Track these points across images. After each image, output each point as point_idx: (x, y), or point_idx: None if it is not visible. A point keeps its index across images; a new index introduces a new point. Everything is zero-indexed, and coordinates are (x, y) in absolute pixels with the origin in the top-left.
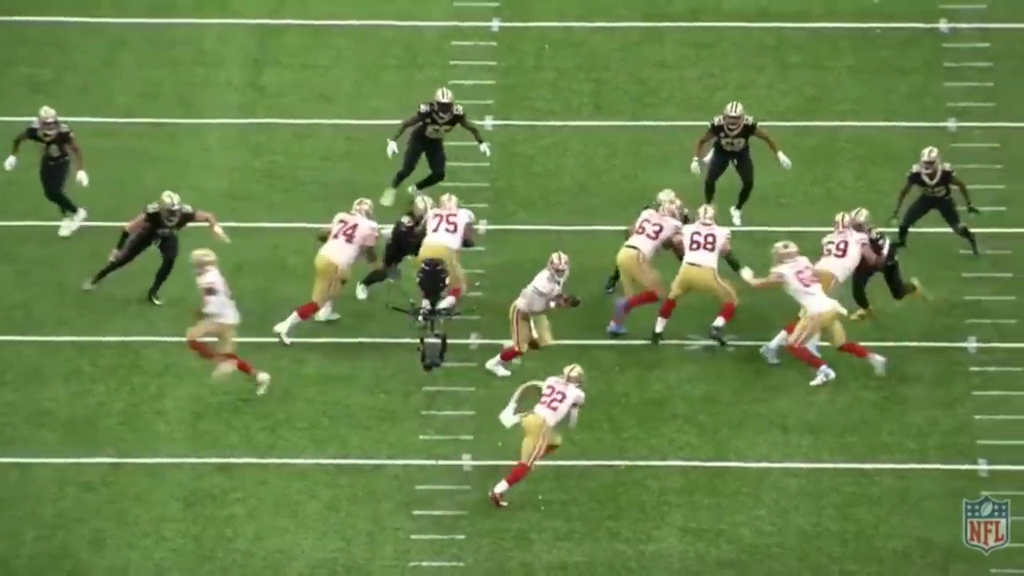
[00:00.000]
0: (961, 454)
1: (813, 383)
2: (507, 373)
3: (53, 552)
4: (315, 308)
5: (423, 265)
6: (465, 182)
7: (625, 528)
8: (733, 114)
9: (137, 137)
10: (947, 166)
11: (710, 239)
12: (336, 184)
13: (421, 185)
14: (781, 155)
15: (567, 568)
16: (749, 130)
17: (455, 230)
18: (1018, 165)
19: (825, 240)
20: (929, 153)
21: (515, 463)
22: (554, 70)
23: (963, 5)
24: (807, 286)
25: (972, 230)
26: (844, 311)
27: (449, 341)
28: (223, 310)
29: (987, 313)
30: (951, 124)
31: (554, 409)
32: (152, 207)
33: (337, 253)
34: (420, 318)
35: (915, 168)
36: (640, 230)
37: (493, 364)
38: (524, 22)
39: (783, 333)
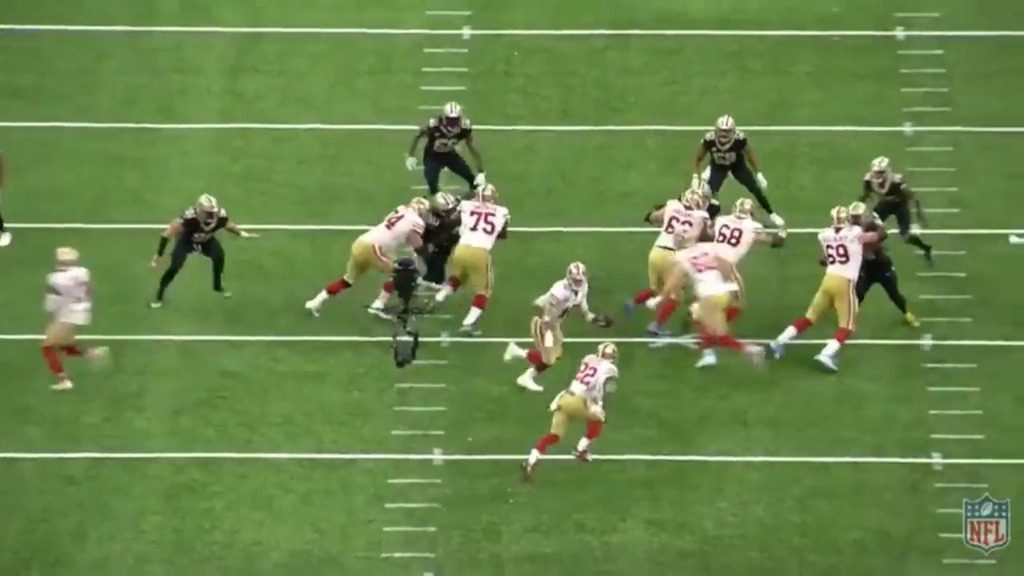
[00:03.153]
0: (916, 448)
1: (699, 364)
2: (539, 388)
3: (36, 544)
4: (345, 284)
5: (396, 265)
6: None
7: (591, 520)
8: (724, 127)
9: (118, 142)
10: (897, 177)
11: (736, 234)
12: (312, 187)
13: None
14: (760, 176)
15: (535, 559)
16: (740, 145)
17: (492, 231)
18: (971, 168)
19: (824, 245)
20: (879, 163)
21: (485, 458)
22: (523, 76)
23: (918, 14)
24: (700, 272)
25: (924, 231)
26: (735, 301)
27: (421, 339)
28: (63, 310)
29: (942, 312)
30: (907, 128)
31: (586, 383)
32: (189, 213)
33: (373, 235)
34: (393, 317)
35: (867, 176)
36: (670, 229)
37: (525, 379)
38: (494, 30)
39: (791, 329)
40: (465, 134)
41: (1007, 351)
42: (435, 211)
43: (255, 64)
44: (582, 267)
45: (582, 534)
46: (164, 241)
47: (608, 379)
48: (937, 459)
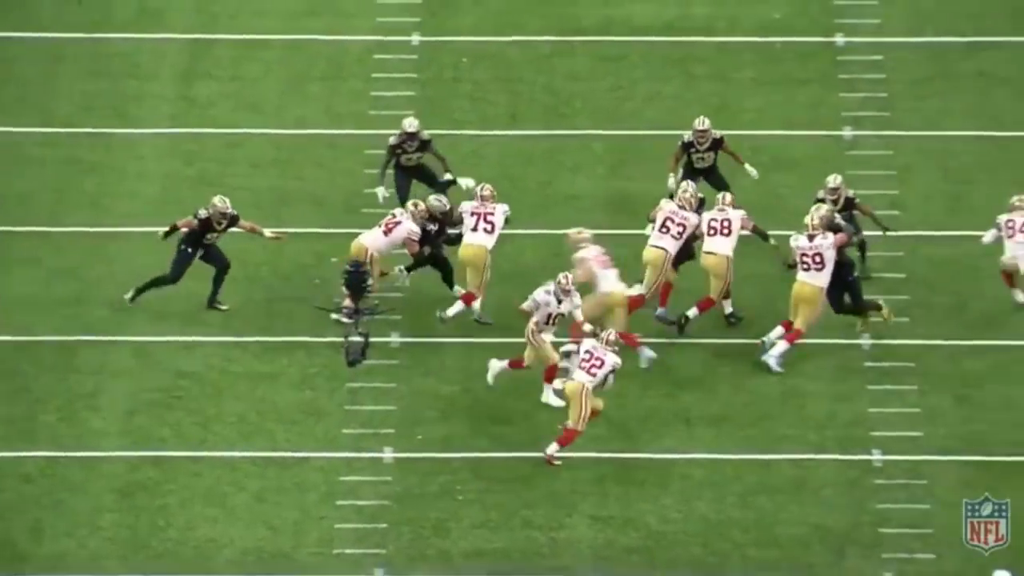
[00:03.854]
0: (856, 445)
1: (642, 367)
2: (561, 404)
3: None
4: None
5: (347, 266)
6: (388, 187)
7: (538, 516)
8: (701, 128)
9: (75, 146)
10: (851, 193)
11: (726, 223)
12: (264, 190)
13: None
14: (748, 166)
15: (483, 554)
16: (718, 143)
17: (492, 230)
18: (909, 171)
19: (798, 253)
20: (834, 180)
21: (435, 456)
22: (472, 82)
23: (858, 20)
24: (604, 268)
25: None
26: (630, 295)
27: (371, 339)
28: None
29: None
30: (847, 132)
31: (593, 375)
32: (203, 212)
33: (368, 238)
34: (344, 317)
35: (820, 193)
36: (665, 229)
37: (547, 396)
38: (443, 36)
39: (779, 328)
40: (426, 145)
41: (945, 350)
42: (432, 215)
43: (208, 70)
44: (571, 277)
45: (529, 530)
46: (174, 229)
47: (612, 371)
48: (877, 456)
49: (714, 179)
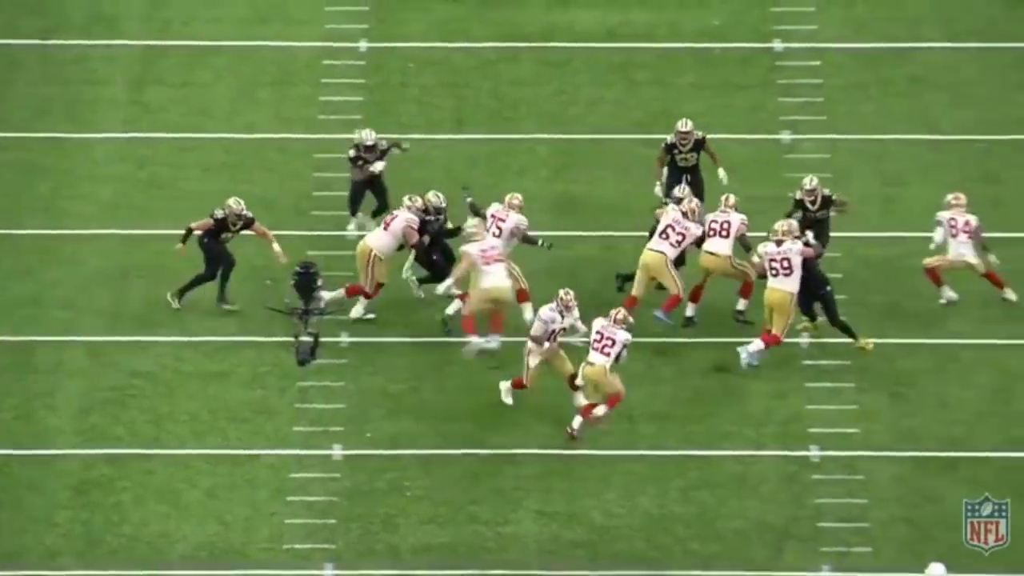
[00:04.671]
0: (795, 441)
1: (467, 350)
2: (509, 401)
3: None
4: (360, 289)
5: (297, 267)
6: (336, 191)
7: (484, 512)
8: (684, 129)
9: (30, 151)
10: (827, 191)
11: (726, 226)
12: (215, 194)
13: (374, 214)
14: (721, 170)
15: (431, 549)
16: (700, 144)
17: (500, 234)
18: (846, 174)
19: (767, 259)
20: (810, 182)
21: (383, 453)
22: (418, 87)
23: (795, 27)
24: (487, 264)
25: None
26: (511, 297)
27: (321, 339)
28: None
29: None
30: (784, 136)
31: (607, 354)
32: (219, 213)
33: (372, 238)
34: (295, 317)
35: (798, 195)
36: (664, 236)
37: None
38: (390, 43)
39: (759, 342)
40: (384, 154)
41: (880, 348)
42: (427, 209)
43: (160, 76)
44: (571, 292)
45: (476, 525)
46: (189, 232)
47: (624, 347)
48: (814, 452)
49: (694, 183)
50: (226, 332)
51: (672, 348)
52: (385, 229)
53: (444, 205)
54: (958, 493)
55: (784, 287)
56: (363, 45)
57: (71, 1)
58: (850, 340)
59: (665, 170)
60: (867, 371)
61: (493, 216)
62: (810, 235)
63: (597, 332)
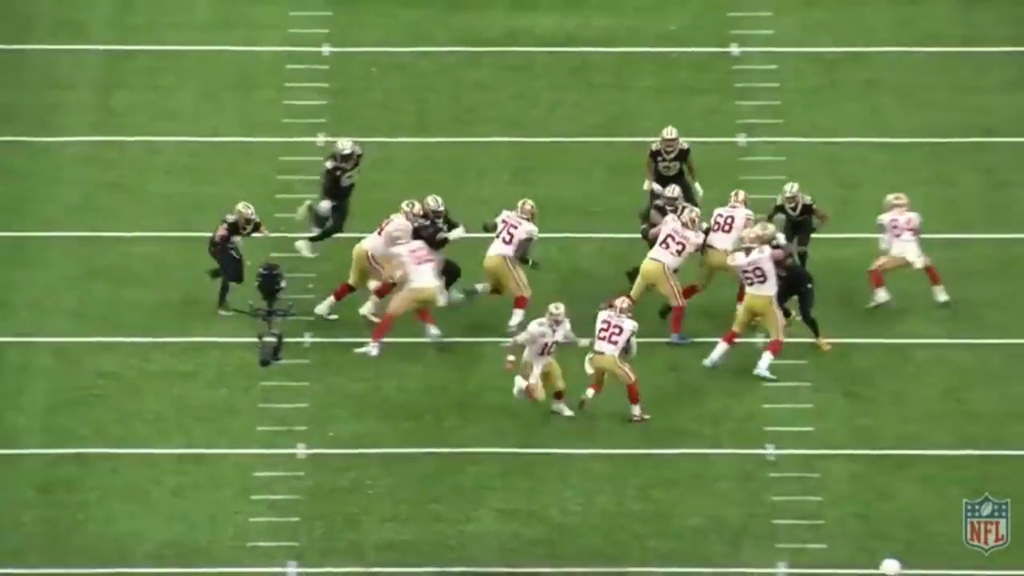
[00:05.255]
0: (751, 439)
1: (358, 351)
2: (571, 412)
3: None
4: (349, 289)
5: (261, 269)
6: (299, 193)
7: (446, 510)
8: (669, 137)
9: None
10: (807, 199)
11: (730, 221)
12: (180, 196)
13: (314, 239)
14: (697, 184)
15: (393, 547)
16: (684, 154)
17: (510, 241)
18: (802, 177)
19: (739, 271)
20: (791, 188)
21: (346, 452)
22: (381, 91)
23: (752, 31)
24: (419, 263)
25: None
26: (439, 297)
27: (285, 340)
28: None
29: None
30: (741, 139)
31: (615, 343)
32: (231, 217)
33: (367, 241)
34: (259, 318)
35: (779, 200)
36: (665, 245)
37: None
38: (353, 47)
39: (722, 345)
40: (358, 160)
41: (835, 348)
42: (425, 213)
43: (126, 80)
44: (562, 307)
45: (438, 523)
46: (214, 244)
47: (632, 334)
48: (770, 450)
49: (680, 187)
50: (191, 333)
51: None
52: (379, 233)
53: (442, 209)
54: (912, 490)
55: (763, 293)
56: (326, 49)
57: (37, 6)
58: (812, 340)
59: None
60: (822, 370)
61: (505, 222)
62: (781, 237)
63: (603, 322)
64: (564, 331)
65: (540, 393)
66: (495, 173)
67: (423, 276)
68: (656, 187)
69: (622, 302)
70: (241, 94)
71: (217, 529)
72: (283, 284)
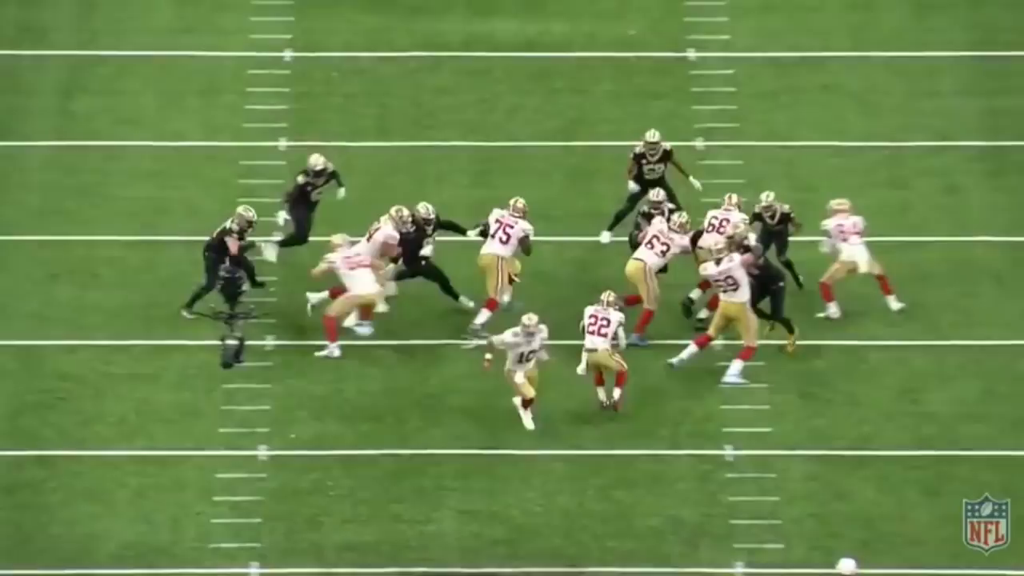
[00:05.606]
0: (709, 440)
1: (319, 354)
2: (531, 426)
3: None
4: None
5: (222, 272)
6: (261, 197)
7: (407, 511)
8: (652, 140)
9: None
10: (785, 207)
11: (725, 223)
12: (142, 201)
13: (283, 244)
14: (693, 179)
15: (354, 548)
16: (667, 155)
17: (507, 240)
18: (759, 180)
19: (711, 280)
20: (767, 197)
21: (307, 454)
22: (342, 96)
23: (709, 36)
24: (352, 269)
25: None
26: (384, 306)
27: (247, 342)
28: None
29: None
30: (699, 143)
31: (604, 335)
32: (235, 225)
33: (356, 247)
34: (221, 321)
35: (756, 209)
36: (650, 246)
37: (526, 421)
38: (314, 52)
39: (693, 347)
40: (332, 176)
41: (792, 349)
42: (415, 219)
43: (89, 85)
44: (535, 318)
45: (398, 524)
46: (235, 257)
47: (620, 325)
48: (728, 451)
49: (664, 189)
50: (153, 336)
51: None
52: (368, 240)
53: (432, 217)
54: (868, 490)
55: (736, 299)
56: (288, 55)
57: (0, 12)
58: (780, 341)
59: (630, 184)
60: (779, 372)
61: (499, 222)
62: (752, 238)
63: (591, 316)
64: (542, 339)
65: (526, 391)
66: (455, 177)
67: (360, 282)
68: (632, 186)
69: (608, 295)
70: (203, 99)
71: (180, 530)
72: (245, 287)
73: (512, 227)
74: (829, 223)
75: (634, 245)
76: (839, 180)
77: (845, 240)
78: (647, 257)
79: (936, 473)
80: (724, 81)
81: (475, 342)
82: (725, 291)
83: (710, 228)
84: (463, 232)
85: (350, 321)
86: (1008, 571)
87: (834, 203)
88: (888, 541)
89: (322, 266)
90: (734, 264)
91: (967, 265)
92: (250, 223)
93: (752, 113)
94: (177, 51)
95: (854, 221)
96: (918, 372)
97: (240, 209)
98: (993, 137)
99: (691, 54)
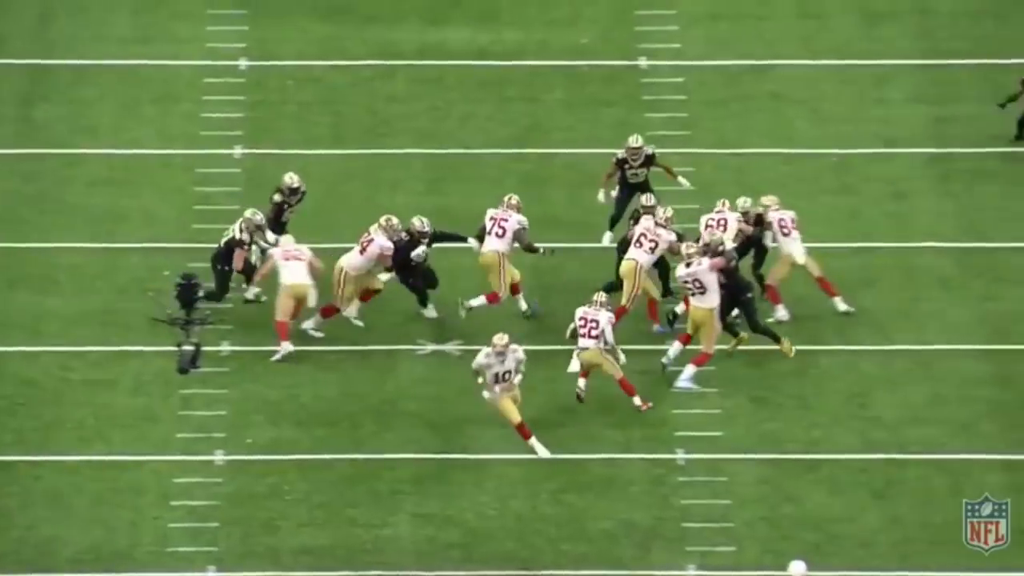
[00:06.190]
0: (661, 444)
1: (275, 359)
2: (547, 453)
3: None
4: (334, 310)
5: (178, 279)
6: (217, 204)
7: (362, 515)
8: (635, 145)
9: None
10: (760, 209)
11: (723, 223)
12: (100, 208)
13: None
14: (681, 178)
15: (310, 551)
16: (650, 160)
17: (503, 234)
18: (710, 187)
19: (681, 281)
20: (744, 203)
21: (264, 458)
22: (297, 104)
23: (660, 45)
24: (287, 260)
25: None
26: (311, 294)
27: (203, 348)
28: None
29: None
30: (650, 150)
31: (595, 337)
32: (245, 236)
33: (346, 259)
34: (177, 327)
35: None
36: (639, 244)
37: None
38: (269, 61)
39: (677, 344)
40: (303, 195)
41: (742, 355)
42: (410, 232)
43: (47, 93)
44: (506, 338)
45: (354, 528)
46: (252, 267)
47: (609, 325)
48: (680, 455)
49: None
50: (111, 342)
51: (543, 355)
52: (361, 252)
53: (428, 230)
54: (818, 494)
55: (704, 305)
56: (243, 63)
57: None
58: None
59: (614, 192)
60: (731, 376)
61: (493, 219)
62: (728, 243)
63: (581, 318)
64: (515, 358)
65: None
66: (409, 184)
67: (292, 273)
68: (601, 196)
69: (599, 296)
70: (160, 107)
71: (137, 535)
72: (201, 293)
73: (507, 220)
74: (771, 216)
75: (623, 247)
76: (788, 187)
77: (787, 235)
78: (639, 256)
79: (885, 476)
80: (675, 89)
81: (430, 348)
82: (694, 294)
83: (708, 229)
84: (463, 239)
85: (307, 324)
86: (963, 573)
87: (764, 199)
88: (838, 543)
89: (266, 265)
90: (702, 268)
91: (915, 271)
92: (259, 227)
93: (702, 120)
94: (134, 60)
95: (792, 215)
96: (867, 377)
97: (247, 212)
98: (940, 144)
99: (642, 62)
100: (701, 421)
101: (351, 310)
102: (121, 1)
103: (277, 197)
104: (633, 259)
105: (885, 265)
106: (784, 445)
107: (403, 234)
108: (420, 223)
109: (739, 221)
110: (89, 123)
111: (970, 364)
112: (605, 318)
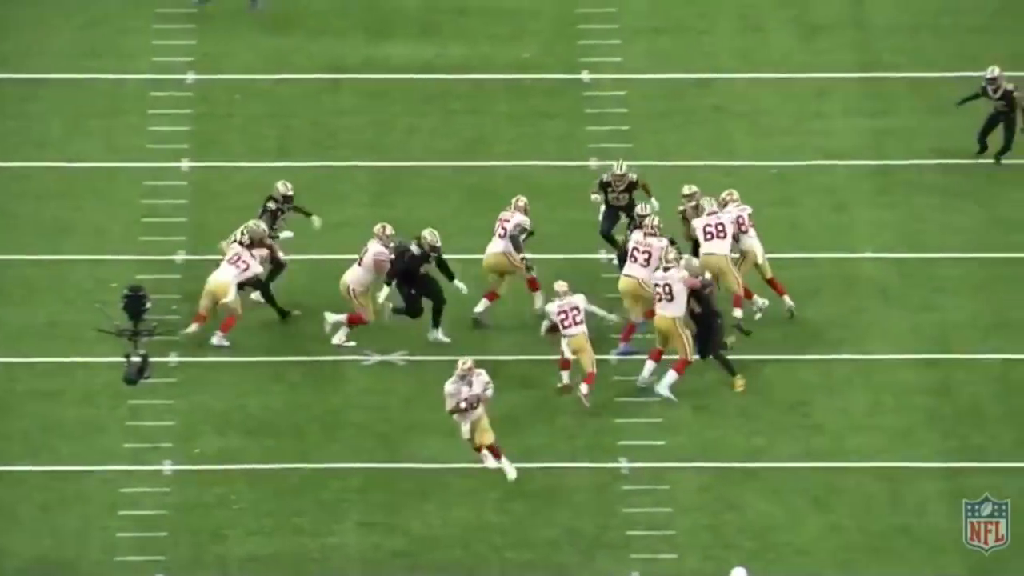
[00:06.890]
0: (605, 453)
1: (212, 341)
2: (512, 475)
3: None
4: (360, 319)
5: (126, 291)
6: (164, 217)
7: (308, 523)
8: (619, 172)
9: None
10: (745, 215)
11: (720, 227)
12: (48, 221)
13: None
14: (654, 199)
15: (257, 560)
16: (632, 186)
17: (505, 235)
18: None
19: (652, 284)
20: (715, 204)
21: (211, 468)
22: (244, 117)
23: (602, 59)
24: (227, 263)
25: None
26: (228, 292)
27: (150, 359)
28: None
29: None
30: (592, 163)
31: (580, 323)
32: (256, 250)
33: (349, 275)
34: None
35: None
36: (633, 259)
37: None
38: (216, 74)
39: (650, 363)
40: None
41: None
42: (420, 244)
43: None
44: (469, 362)
45: (300, 536)
46: (264, 284)
47: (589, 304)
48: (623, 463)
49: (630, 216)
50: (58, 353)
51: (486, 365)
52: (360, 265)
53: (439, 244)
54: (759, 501)
55: (667, 313)
56: (190, 77)
57: None
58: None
59: (602, 207)
60: (672, 386)
61: (499, 220)
62: (696, 262)
63: (559, 312)
64: (481, 382)
65: (476, 439)
66: (355, 196)
67: (220, 272)
68: (595, 198)
69: (560, 286)
70: (107, 121)
71: (85, 544)
72: (148, 305)
73: (508, 220)
74: (731, 214)
75: (622, 259)
76: None
77: (745, 232)
78: (636, 272)
79: (825, 484)
80: (617, 102)
81: (375, 358)
82: (661, 299)
83: (708, 236)
84: (452, 278)
85: (216, 339)
86: None
87: (724, 194)
88: (778, 551)
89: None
90: (677, 275)
91: (855, 281)
92: (262, 238)
93: (644, 133)
94: (81, 74)
95: (749, 211)
96: (807, 385)
97: (251, 223)
98: (879, 156)
99: (585, 76)
100: (644, 430)
101: (339, 335)
102: (69, 15)
103: (272, 205)
104: (632, 276)
105: (826, 275)
106: (725, 453)
107: (412, 246)
108: (432, 236)
109: (736, 220)
110: (37, 136)
111: (910, 373)
112: (579, 300)
